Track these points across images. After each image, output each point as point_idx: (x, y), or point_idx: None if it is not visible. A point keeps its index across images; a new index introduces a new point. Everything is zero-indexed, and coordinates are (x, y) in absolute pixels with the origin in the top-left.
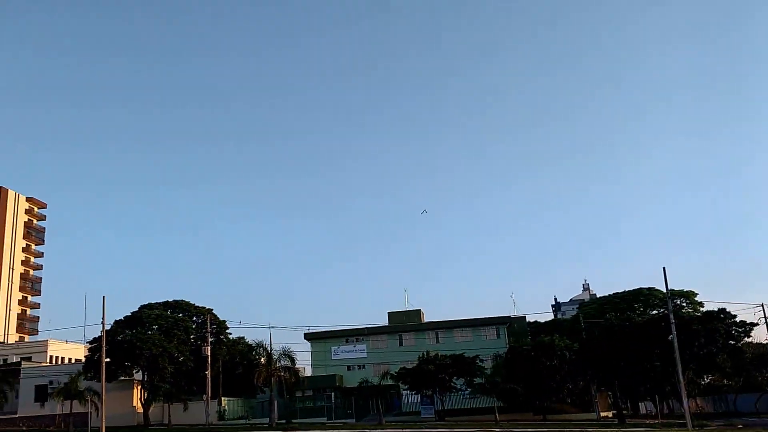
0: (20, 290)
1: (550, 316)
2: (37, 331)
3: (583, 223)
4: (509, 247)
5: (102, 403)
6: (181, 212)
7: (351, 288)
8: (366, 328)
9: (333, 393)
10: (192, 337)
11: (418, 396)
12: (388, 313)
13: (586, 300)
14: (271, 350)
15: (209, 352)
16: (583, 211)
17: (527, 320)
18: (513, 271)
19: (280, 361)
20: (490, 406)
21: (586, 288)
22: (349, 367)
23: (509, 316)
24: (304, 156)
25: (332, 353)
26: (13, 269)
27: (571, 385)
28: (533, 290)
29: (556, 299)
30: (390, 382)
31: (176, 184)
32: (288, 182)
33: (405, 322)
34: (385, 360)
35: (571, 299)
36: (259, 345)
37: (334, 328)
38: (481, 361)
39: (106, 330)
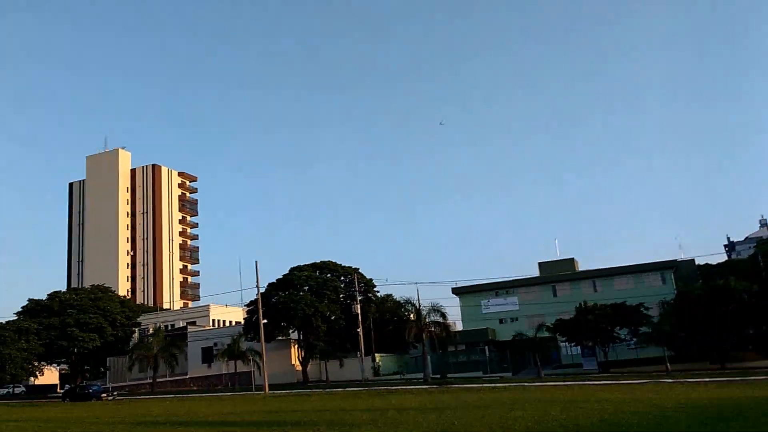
0: (180, 260)
1: (723, 258)
2: (199, 297)
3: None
4: (667, 187)
5: (263, 362)
6: (325, 181)
7: (497, 240)
8: (516, 280)
9: (486, 347)
10: (341, 296)
11: (578, 348)
12: (539, 263)
13: (764, 237)
14: (419, 306)
15: (359, 310)
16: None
17: (696, 263)
18: (676, 212)
19: (429, 317)
20: (658, 356)
21: (764, 224)
22: (501, 321)
23: (675, 260)
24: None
25: (482, 307)
26: (172, 241)
27: (753, 330)
28: (702, 231)
29: (729, 239)
30: (546, 334)
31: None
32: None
33: (557, 272)
34: (539, 312)
35: (746, 237)
36: (408, 302)
37: (482, 282)
38: (646, 309)
39: (261, 293)
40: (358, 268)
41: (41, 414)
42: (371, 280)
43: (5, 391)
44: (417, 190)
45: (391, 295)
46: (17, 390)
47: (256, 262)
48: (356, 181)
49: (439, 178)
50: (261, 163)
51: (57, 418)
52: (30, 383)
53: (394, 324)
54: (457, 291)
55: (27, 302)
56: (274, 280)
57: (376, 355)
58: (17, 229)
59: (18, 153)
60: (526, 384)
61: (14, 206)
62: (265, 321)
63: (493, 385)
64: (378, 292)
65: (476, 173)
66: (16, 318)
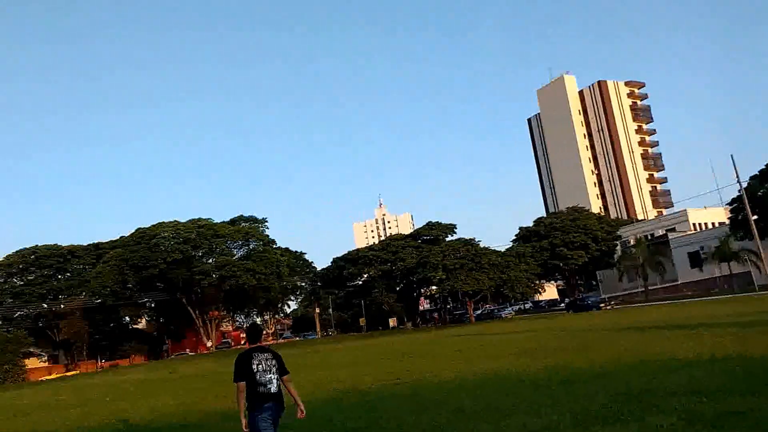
0: (645, 169)
1: None
2: (671, 203)
3: None
4: None
5: (762, 261)
6: None
7: None
8: None
9: None
10: None
11: None
12: None
13: None
14: None
15: None
16: None
17: None
18: None
19: None
20: None
21: None
22: None
23: None
24: None
25: None
26: (632, 152)
27: None
28: None
29: None
30: None
31: None
32: None
33: None
34: None
35: None
36: None
37: None
38: None
39: (745, 188)
40: None
41: (557, 323)
42: None
43: (517, 307)
44: None
45: None
46: (526, 306)
47: (731, 156)
48: None
49: None
50: (708, 53)
51: (572, 326)
52: (535, 300)
53: None
54: None
55: (518, 230)
56: (756, 173)
57: None
58: (495, 171)
59: (473, 103)
60: None
61: (492, 151)
62: (755, 217)
63: None
64: None
65: None
66: (511, 245)
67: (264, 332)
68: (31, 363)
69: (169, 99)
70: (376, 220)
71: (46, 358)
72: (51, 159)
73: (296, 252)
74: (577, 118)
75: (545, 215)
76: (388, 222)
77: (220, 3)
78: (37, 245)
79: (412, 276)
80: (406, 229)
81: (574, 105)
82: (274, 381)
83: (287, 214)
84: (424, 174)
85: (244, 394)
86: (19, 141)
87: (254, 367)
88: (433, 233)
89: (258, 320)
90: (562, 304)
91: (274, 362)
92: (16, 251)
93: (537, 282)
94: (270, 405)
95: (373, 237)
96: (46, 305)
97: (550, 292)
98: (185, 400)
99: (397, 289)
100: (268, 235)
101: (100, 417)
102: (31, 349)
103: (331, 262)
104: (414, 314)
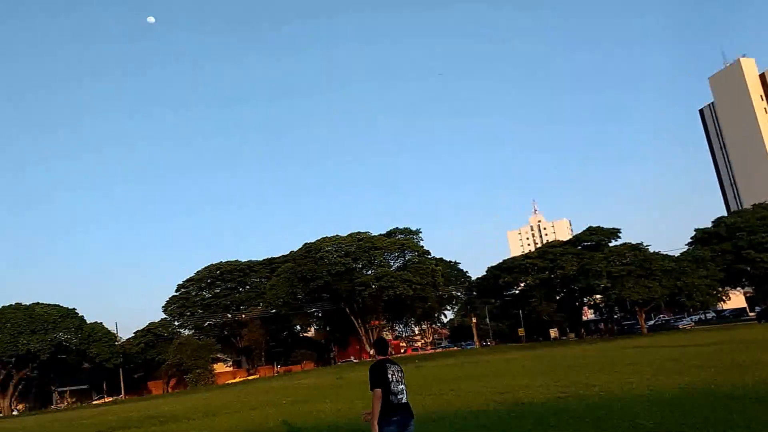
0: None
1: None
2: None
3: None
4: None
5: None
6: None
7: None
8: None
9: None
10: None
11: None
12: None
13: None
14: None
15: None
16: None
17: None
18: None
19: None
20: None
21: None
22: None
23: None
24: None
25: None
26: None
27: None
28: None
29: None
30: None
31: None
32: None
33: None
34: None
35: None
36: None
37: None
38: None
39: None
40: None
41: (746, 335)
42: None
43: (696, 317)
44: None
45: None
46: (708, 316)
47: None
48: None
49: None
50: None
51: (766, 338)
52: (718, 309)
53: None
54: None
55: (694, 232)
56: None
57: None
58: (663, 169)
59: (634, 93)
60: None
61: (659, 146)
62: None
63: None
64: None
65: None
66: (686, 249)
67: (397, 342)
68: (219, 368)
69: (342, 119)
70: (531, 227)
71: (230, 363)
72: (234, 183)
73: (451, 262)
74: (760, 105)
75: (726, 215)
76: (544, 228)
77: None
78: (221, 261)
79: (572, 284)
80: (564, 236)
81: (755, 90)
82: (405, 392)
83: (441, 224)
84: (581, 176)
85: (380, 401)
86: (215, 165)
87: (389, 376)
88: (595, 239)
89: (416, 329)
90: (752, 314)
91: (402, 374)
92: (204, 267)
93: (720, 289)
94: (401, 414)
95: (528, 244)
96: (230, 315)
97: (736, 300)
98: (353, 406)
99: (557, 298)
100: (422, 246)
101: (279, 418)
102: (219, 355)
103: (486, 271)
104: (577, 325)
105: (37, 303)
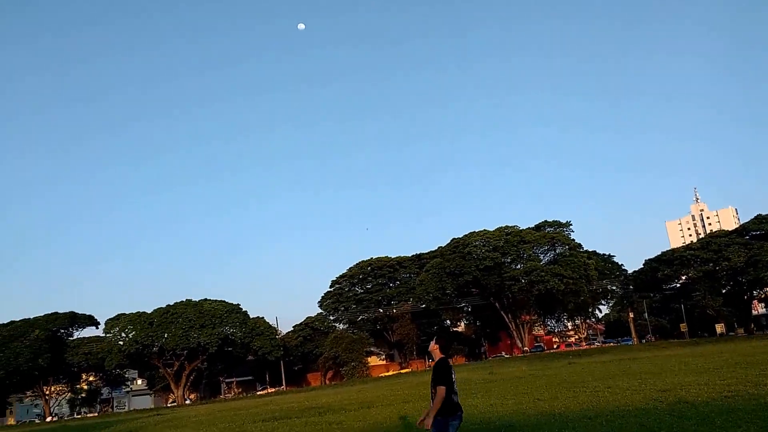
0: None
1: None
2: None
3: None
4: None
5: None
6: None
7: None
8: None
9: None
10: None
11: None
12: None
13: None
14: None
15: None
16: None
17: None
18: None
19: None
20: None
21: None
22: None
23: None
24: None
25: None
26: None
27: None
28: None
29: None
30: None
31: None
32: None
33: None
34: None
35: None
36: None
37: None
38: None
39: None
40: None
41: None
42: None
43: None
44: None
45: None
46: None
47: None
48: None
49: None
50: None
51: None
52: None
53: None
54: None
55: None
56: None
57: None
58: None
59: None
60: None
61: None
62: None
63: None
64: None
65: None
66: None
67: (549, 338)
68: (372, 361)
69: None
70: (693, 216)
71: (383, 356)
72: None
73: (604, 255)
74: None
75: None
76: (707, 218)
77: None
78: (371, 258)
79: (740, 277)
80: (730, 225)
81: None
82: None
83: (592, 216)
84: (748, 162)
85: (445, 397)
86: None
87: (452, 376)
88: (765, 227)
89: (569, 324)
90: None
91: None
92: (356, 264)
93: None
94: (460, 410)
95: (690, 235)
96: (381, 310)
97: None
98: (506, 402)
99: (723, 291)
100: (573, 239)
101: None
102: (372, 349)
103: (643, 264)
104: (746, 320)
105: (206, 299)
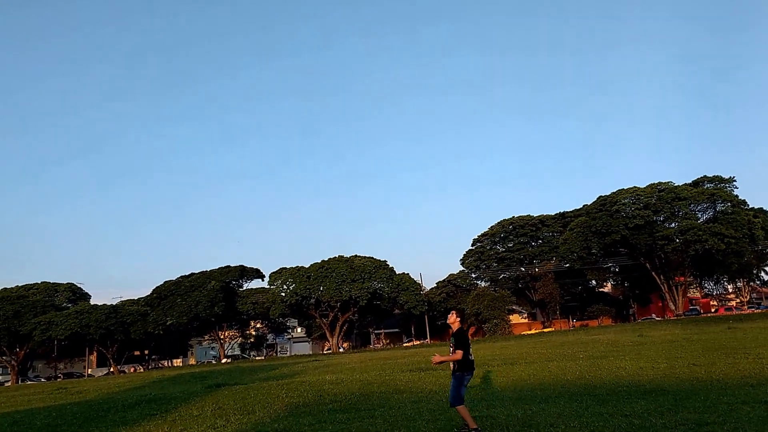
0: None
1: None
2: None
3: None
4: None
5: None
6: None
7: None
8: None
9: None
10: None
11: None
12: None
13: None
14: None
15: None
16: None
17: None
18: None
19: None
20: None
21: None
22: None
23: None
24: None
25: None
26: None
27: None
28: None
29: None
30: None
31: None
32: None
33: None
34: None
35: None
36: None
37: None
38: None
39: None
40: None
41: None
42: None
43: None
44: None
45: None
46: None
47: None
48: None
49: None
50: None
51: None
52: None
53: None
54: None
55: None
56: None
57: None
58: None
59: None
60: None
61: None
62: None
63: None
64: None
65: None
66: None
67: (707, 301)
68: (514, 319)
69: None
70: None
71: (525, 315)
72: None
73: None
74: None
75: None
76: None
77: None
78: (513, 216)
79: None
80: None
81: None
82: None
83: (760, 170)
84: None
85: (462, 360)
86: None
87: (470, 342)
88: None
89: (729, 287)
90: None
91: None
92: (497, 222)
93: None
94: (472, 370)
95: None
96: (523, 269)
97: None
98: (657, 365)
99: None
100: (737, 196)
101: (577, 372)
102: (513, 307)
103: None
104: None
105: (356, 255)
